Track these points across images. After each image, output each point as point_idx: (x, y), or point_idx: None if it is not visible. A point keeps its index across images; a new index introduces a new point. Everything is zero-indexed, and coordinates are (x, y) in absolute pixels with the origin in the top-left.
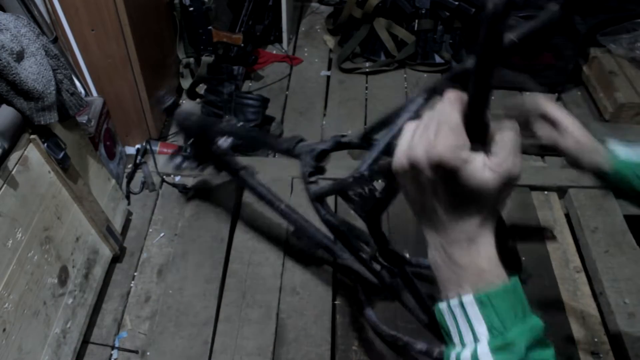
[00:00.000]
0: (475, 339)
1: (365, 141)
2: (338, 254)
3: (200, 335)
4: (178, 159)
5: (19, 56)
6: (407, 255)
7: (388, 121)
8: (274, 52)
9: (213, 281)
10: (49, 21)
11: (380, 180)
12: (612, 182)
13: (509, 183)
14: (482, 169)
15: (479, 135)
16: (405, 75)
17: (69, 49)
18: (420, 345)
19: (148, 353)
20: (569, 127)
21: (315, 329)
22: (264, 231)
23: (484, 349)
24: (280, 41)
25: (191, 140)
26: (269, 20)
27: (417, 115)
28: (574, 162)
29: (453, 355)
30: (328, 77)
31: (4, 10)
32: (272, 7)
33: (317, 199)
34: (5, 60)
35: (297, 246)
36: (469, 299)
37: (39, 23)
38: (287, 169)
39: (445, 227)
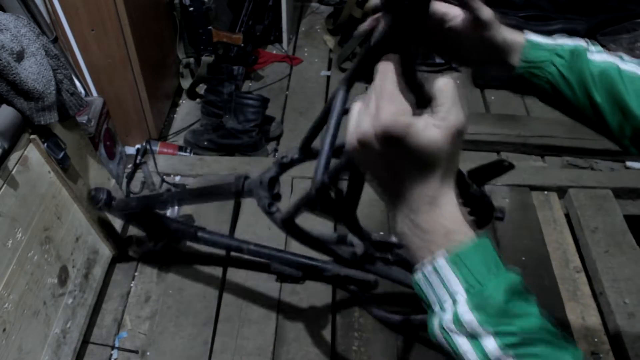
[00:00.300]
0: (454, 301)
1: (307, 153)
2: (322, 269)
3: (200, 335)
4: (133, 248)
5: (19, 56)
6: (394, 239)
7: (321, 125)
8: (274, 52)
9: (213, 281)
10: (49, 21)
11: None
12: (524, 70)
13: (457, 135)
14: (427, 127)
15: (417, 96)
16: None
17: (69, 49)
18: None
19: (148, 353)
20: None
21: (315, 329)
22: (264, 231)
23: (463, 308)
24: (280, 41)
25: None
26: (269, 20)
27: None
28: (487, 39)
29: (435, 322)
30: (328, 77)
31: (4, 10)
32: (272, 7)
33: (286, 225)
34: (5, 60)
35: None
36: (441, 262)
37: (39, 23)
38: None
39: (406, 196)
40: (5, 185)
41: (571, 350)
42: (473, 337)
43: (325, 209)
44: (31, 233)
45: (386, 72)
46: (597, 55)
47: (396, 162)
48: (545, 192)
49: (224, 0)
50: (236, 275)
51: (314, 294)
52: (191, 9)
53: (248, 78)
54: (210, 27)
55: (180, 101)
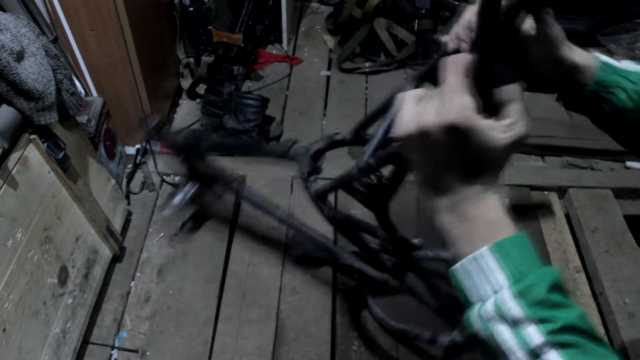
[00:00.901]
0: (495, 290)
1: (358, 137)
2: (339, 255)
3: (200, 335)
4: (179, 192)
5: (19, 56)
6: (416, 241)
7: (379, 114)
8: (274, 52)
9: (213, 281)
10: (49, 21)
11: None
12: (593, 91)
13: (519, 142)
14: (494, 129)
15: (485, 97)
16: (405, 75)
17: (69, 49)
18: (427, 335)
19: (148, 353)
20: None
21: (315, 329)
22: (264, 231)
23: (505, 295)
24: (280, 41)
25: (182, 157)
26: (269, 20)
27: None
28: (557, 56)
29: (475, 312)
30: (328, 77)
31: (4, 10)
32: (272, 7)
33: (319, 197)
34: (5, 60)
35: (296, 253)
36: (483, 251)
37: (39, 23)
38: (287, 169)
39: (457, 188)
40: (5, 185)
41: (608, 345)
42: (514, 324)
43: (362, 190)
44: (31, 233)
45: (457, 68)
46: None
47: (454, 156)
48: (545, 192)
49: (224, 0)
50: (236, 275)
51: (314, 294)
52: (191, 9)
53: (248, 78)
54: (210, 27)
55: (180, 101)
